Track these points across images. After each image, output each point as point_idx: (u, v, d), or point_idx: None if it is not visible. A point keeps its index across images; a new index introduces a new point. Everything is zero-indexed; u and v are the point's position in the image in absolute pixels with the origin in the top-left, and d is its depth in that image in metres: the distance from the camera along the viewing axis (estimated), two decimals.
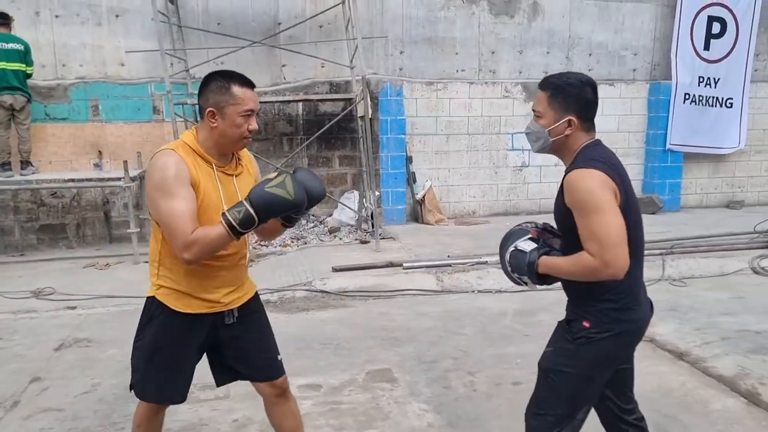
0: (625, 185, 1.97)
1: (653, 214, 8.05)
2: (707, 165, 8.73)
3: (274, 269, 6.09)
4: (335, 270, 5.81)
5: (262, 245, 6.80)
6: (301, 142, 7.54)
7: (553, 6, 8.11)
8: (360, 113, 7.17)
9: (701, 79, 8.32)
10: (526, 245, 2.07)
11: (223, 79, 2.02)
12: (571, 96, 1.99)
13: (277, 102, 7.30)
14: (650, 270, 5.72)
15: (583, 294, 2.03)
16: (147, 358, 2.15)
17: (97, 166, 7.06)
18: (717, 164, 8.79)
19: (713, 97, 8.39)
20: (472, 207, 8.19)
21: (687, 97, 8.28)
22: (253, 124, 2.05)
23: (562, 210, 1.98)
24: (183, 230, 1.89)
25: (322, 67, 7.55)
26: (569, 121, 1.99)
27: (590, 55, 8.29)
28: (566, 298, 2.15)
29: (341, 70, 7.45)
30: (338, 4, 7.20)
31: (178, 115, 6.71)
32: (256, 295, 2.35)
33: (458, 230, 7.46)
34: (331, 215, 7.68)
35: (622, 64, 8.42)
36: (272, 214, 1.94)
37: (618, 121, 8.40)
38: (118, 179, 6.38)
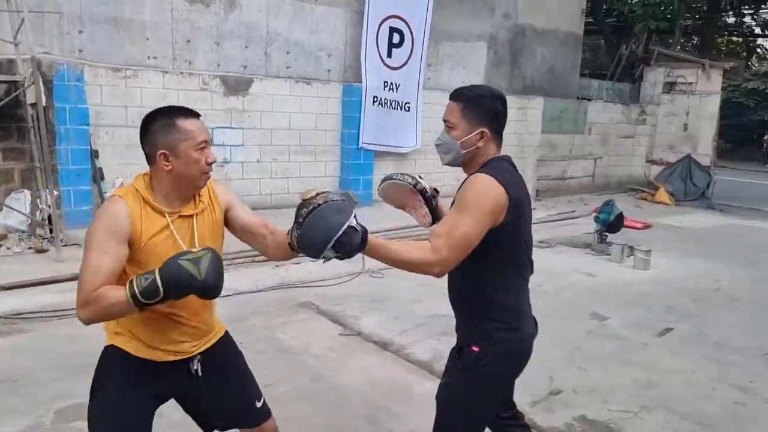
0: (519, 206, 1.93)
1: None
2: (392, 162, 9.61)
3: None
4: (4, 288, 4.78)
5: None
6: None
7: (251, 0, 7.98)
8: (31, 100, 6.03)
9: (386, 84, 9.10)
10: (356, 222, 1.78)
11: (164, 116, 1.85)
12: (485, 108, 1.97)
13: None
14: (351, 264, 6.03)
15: (470, 316, 2.04)
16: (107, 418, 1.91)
17: None
18: (400, 162, 9.74)
19: (395, 101, 9.27)
20: None
21: (375, 99, 8.98)
22: (211, 156, 1.89)
23: None
24: (87, 286, 1.71)
25: None
26: (482, 133, 1.96)
27: (288, 52, 8.39)
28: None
29: (2, 46, 6.17)
30: None
31: None
32: (226, 336, 2.17)
33: None
34: None
35: (318, 64, 8.72)
36: (178, 291, 1.67)
37: (316, 120, 8.70)
38: None
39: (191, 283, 1.65)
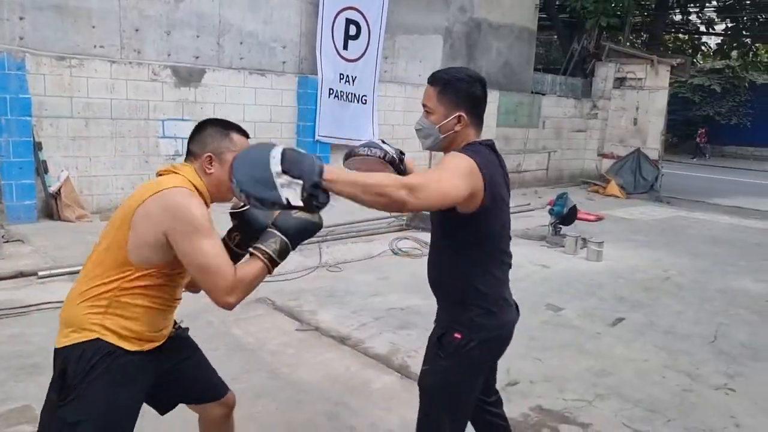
0: (495, 187, 1.91)
1: None
2: None
3: None
4: None
5: None
6: None
7: None
8: None
9: (342, 76, 9.02)
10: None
11: (221, 126, 1.94)
12: (462, 91, 1.94)
13: None
14: (308, 258, 5.97)
15: (452, 303, 2.04)
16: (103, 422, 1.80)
17: None
18: None
19: (351, 94, 9.21)
20: (121, 200, 7.35)
21: (331, 92, 8.90)
22: None
23: None
24: (228, 271, 1.75)
25: None
26: (459, 116, 1.95)
27: (242, 43, 8.22)
28: None
29: None
30: None
31: None
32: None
33: (104, 227, 6.61)
34: None
35: (272, 56, 8.58)
36: (303, 240, 1.87)
37: (270, 112, 8.56)
38: None
39: (312, 229, 1.85)
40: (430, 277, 2.16)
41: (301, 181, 1.58)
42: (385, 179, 1.67)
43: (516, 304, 2.17)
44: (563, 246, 7.25)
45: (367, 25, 9.18)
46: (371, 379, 3.70)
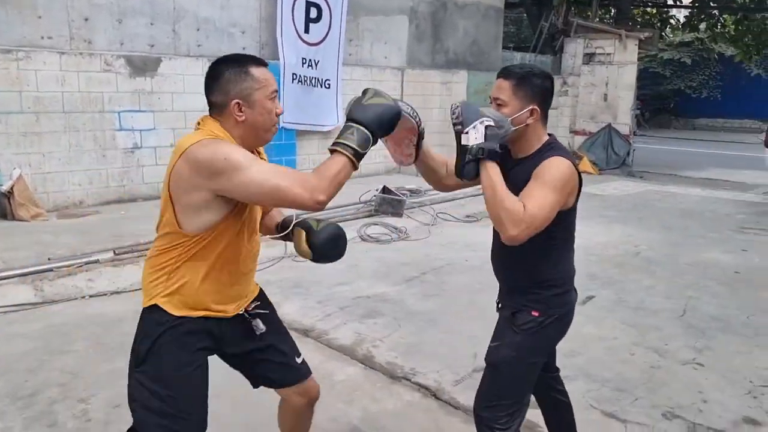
0: (581, 187, 2.08)
1: None
2: (316, 141, 9.37)
3: None
4: None
5: None
6: None
7: None
8: None
9: (304, 61, 8.80)
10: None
11: (237, 64, 1.79)
12: (536, 86, 2.04)
13: None
14: (273, 249, 5.80)
15: (529, 284, 2.13)
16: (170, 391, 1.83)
17: None
18: (325, 141, 9.50)
19: (315, 78, 8.99)
20: (79, 196, 7.13)
21: (294, 77, 8.68)
22: (280, 107, 1.87)
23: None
24: (298, 176, 1.67)
25: None
26: (532, 110, 2.04)
27: (198, 30, 7.95)
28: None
29: None
30: None
31: None
32: (261, 294, 2.15)
33: (62, 225, 6.38)
34: None
35: (231, 42, 8.32)
36: (384, 126, 1.77)
37: None
38: None
39: (389, 112, 1.77)
40: (501, 263, 2.27)
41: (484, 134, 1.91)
42: (510, 207, 1.86)
43: (575, 287, 2.29)
44: None
45: (328, 7, 8.95)
46: (334, 372, 3.58)
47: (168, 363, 1.84)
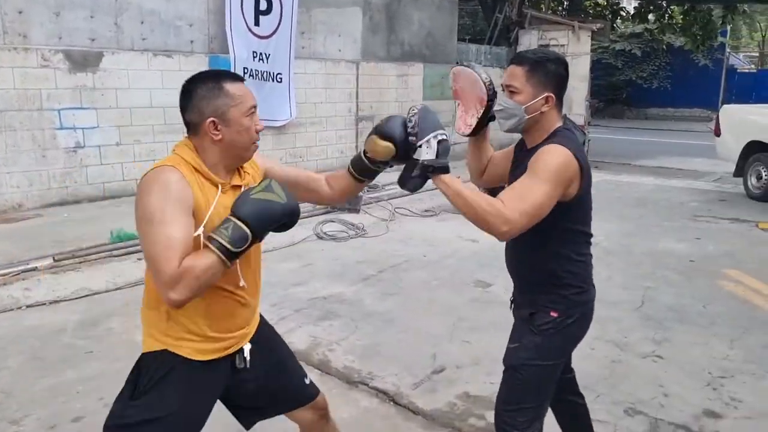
0: (589, 176, 1.96)
1: None
2: (270, 137, 9.12)
3: None
4: None
5: None
6: None
7: None
8: None
9: (255, 54, 8.54)
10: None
11: (210, 80, 1.72)
12: (551, 72, 1.96)
13: None
14: None
15: (546, 284, 2.04)
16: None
17: None
18: (279, 136, 9.28)
19: (266, 72, 8.73)
20: (17, 199, 6.75)
21: (245, 71, 8.41)
22: (260, 123, 1.78)
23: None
24: (167, 264, 1.52)
25: None
26: (547, 97, 1.95)
27: (143, 22, 7.61)
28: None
29: None
30: None
31: None
32: (262, 320, 2.04)
33: None
34: None
35: (178, 35, 8.00)
36: (266, 224, 1.61)
37: (177, 96, 7.99)
38: None
39: (275, 210, 1.60)
40: (517, 263, 2.16)
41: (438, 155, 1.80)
42: (488, 206, 1.77)
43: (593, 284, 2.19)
44: None
45: None
46: None
47: (168, 404, 1.76)
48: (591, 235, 2.11)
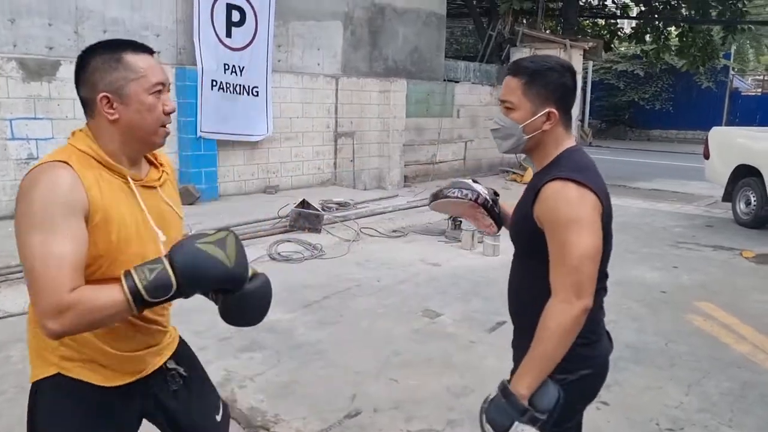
0: (609, 213, 1.66)
1: (191, 204, 7.70)
2: (242, 152, 8.84)
3: None
4: None
5: None
6: None
7: None
8: None
9: (227, 67, 8.28)
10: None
11: (107, 50, 1.40)
12: (552, 83, 1.63)
13: None
14: None
15: None
16: None
17: None
18: (252, 151, 8.99)
19: (240, 85, 8.46)
20: None
21: (214, 83, 8.15)
22: (170, 104, 1.48)
23: (530, 222, 1.63)
24: (56, 284, 1.23)
25: None
26: (549, 113, 1.64)
27: (105, 32, 7.37)
28: None
29: None
30: None
31: None
32: (181, 339, 1.76)
33: None
34: None
35: None
36: (198, 283, 1.30)
37: None
38: None
39: (216, 272, 1.30)
40: (518, 305, 1.84)
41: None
42: (555, 327, 1.52)
43: (608, 333, 1.83)
44: (461, 241, 6.77)
45: (253, 10, 8.45)
46: None
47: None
48: (606, 277, 1.75)
